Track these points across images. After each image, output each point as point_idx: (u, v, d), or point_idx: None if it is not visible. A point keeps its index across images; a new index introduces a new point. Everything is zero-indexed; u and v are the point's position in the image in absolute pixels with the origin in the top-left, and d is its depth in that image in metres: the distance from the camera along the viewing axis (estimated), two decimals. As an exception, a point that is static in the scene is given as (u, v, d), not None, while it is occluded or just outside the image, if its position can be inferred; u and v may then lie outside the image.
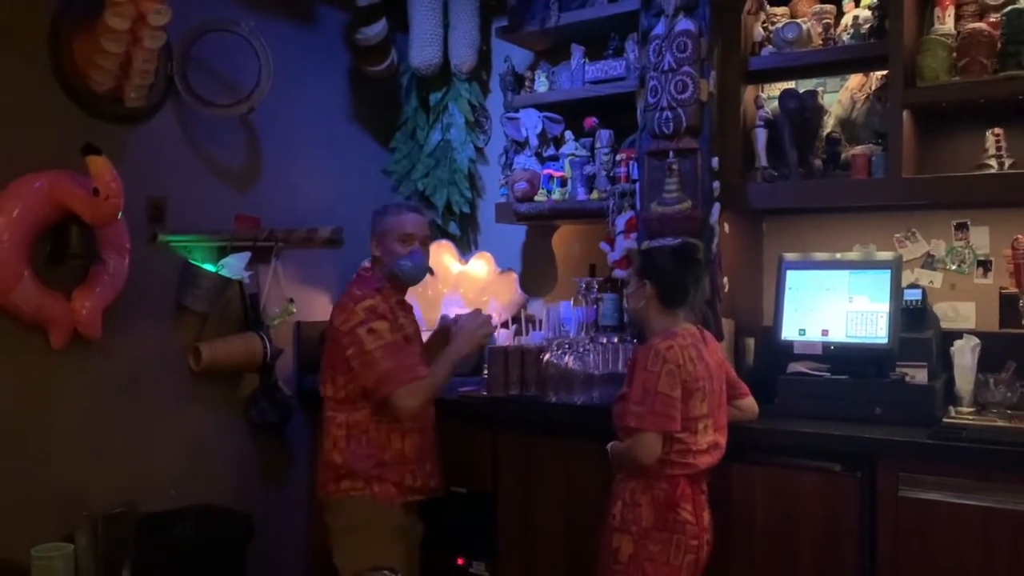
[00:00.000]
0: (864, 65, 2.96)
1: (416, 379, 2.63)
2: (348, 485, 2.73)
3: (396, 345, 2.66)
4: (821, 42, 2.97)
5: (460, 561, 3.18)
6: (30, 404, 2.85)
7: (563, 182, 3.50)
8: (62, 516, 2.56)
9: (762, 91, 3.19)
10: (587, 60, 3.47)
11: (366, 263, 2.90)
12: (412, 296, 3.21)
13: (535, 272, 3.90)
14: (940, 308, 2.98)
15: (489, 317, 2.90)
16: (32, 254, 2.77)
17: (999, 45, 2.65)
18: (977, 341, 2.75)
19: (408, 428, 2.76)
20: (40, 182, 2.75)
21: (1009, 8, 2.66)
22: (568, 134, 3.53)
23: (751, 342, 3.05)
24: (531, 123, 3.53)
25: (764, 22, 3.08)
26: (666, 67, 2.84)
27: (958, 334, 2.81)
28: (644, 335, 2.64)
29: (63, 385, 2.93)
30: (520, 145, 3.61)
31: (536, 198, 3.51)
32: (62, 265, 2.85)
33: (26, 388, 2.84)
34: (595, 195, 3.38)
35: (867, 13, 2.89)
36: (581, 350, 3.03)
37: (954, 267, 3.03)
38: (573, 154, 3.49)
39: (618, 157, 3.31)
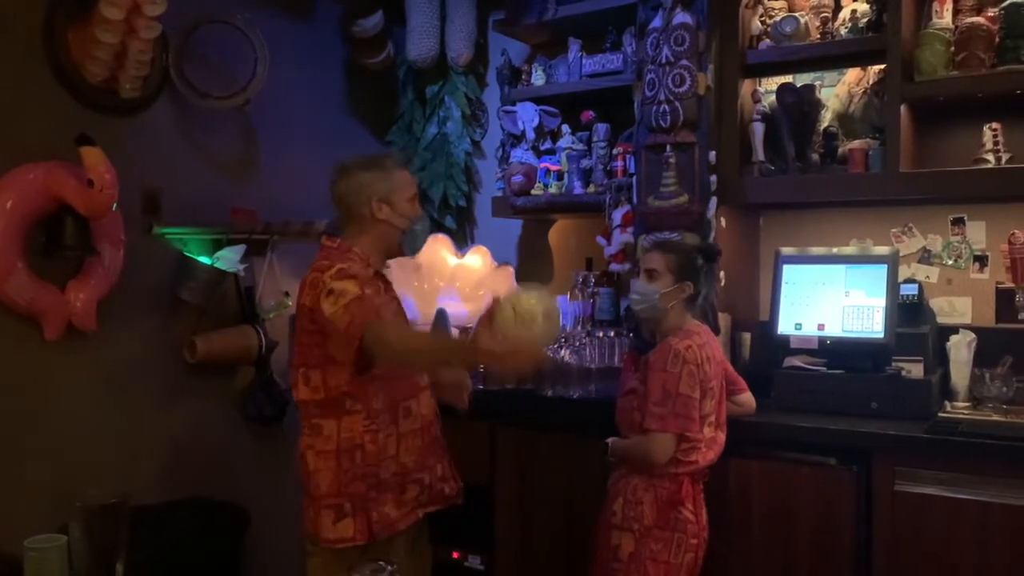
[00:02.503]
0: (862, 59, 2.96)
1: (378, 318, 2.17)
2: (335, 524, 2.22)
3: (363, 298, 2.16)
4: (819, 36, 2.96)
5: (456, 555, 3.17)
6: (24, 396, 2.83)
7: (560, 176, 3.49)
8: (56, 508, 2.55)
9: (759, 85, 3.18)
10: (584, 53, 3.46)
11: (328, 240, 2.41)
12: (407, 290, 3.21)
13: (531, 266, 3.89)
14: (936, 303, 2.98)
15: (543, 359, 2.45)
16: (26, 245, 2.75)
17: (997, 39, 2.65)
18: (973, 336, 2.75)
19: (404, 431, 2.32)
20: (34, 173, 2.74)
21: (1007, 2, 2.66)
22: (565, 128, 3.52)
23: (747, 336, 3.05)
24: (528, 117, 3.52)
25: (762, 16, 3.08)
26: (663, 60, 2.83)
27: (954, 329, 2.82)
28: (640, 331, 2.64)
29: (57, 377, 2.92)
30: (517, 139, 3.60)
31: (533, 192, 3.50)
32: (56, 257, 2.84)
33: (20, 380, 2.83)
34: (592, 189, 3.37)
35: (865, 7, 2.89)
36: (577, 344, 3.03)
37: (951, 262, 3.03)
38: (570, 148, 3.48)
39: (615, 151, 3.30)
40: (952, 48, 2.71)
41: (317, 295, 2.18)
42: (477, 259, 3.77)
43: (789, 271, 2.94)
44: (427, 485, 2.38)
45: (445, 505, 2.45)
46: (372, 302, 2.19)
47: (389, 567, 1.33)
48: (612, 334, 3.04)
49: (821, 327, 2.83)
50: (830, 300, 2.84)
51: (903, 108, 2.76)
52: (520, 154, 3.56)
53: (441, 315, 3.48)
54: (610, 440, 2.54)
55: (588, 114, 3.45)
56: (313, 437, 2.28)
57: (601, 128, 3.38)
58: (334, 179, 2.40)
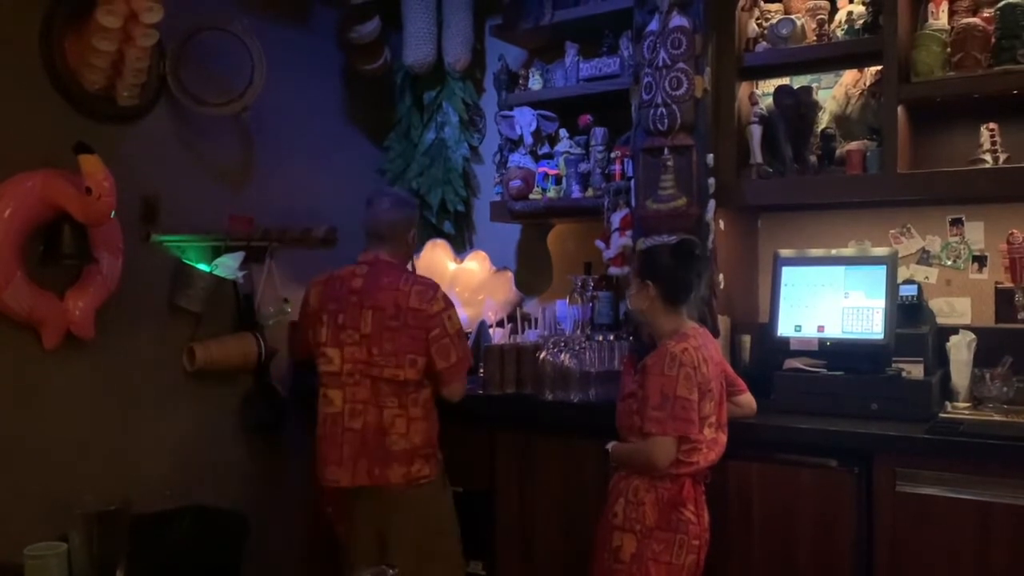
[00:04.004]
0: (858, 61, 2.96)
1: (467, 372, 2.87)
2: (424, 466, 2.75)
3: (463, 333, 2.86)
4: (815, 38, 2.97)
5: (457, 560, 3.17)
6: (23, 405, 2.82)
7: (558, 180, 3.50)
8: (56, 516, 2.53)
9: (757, 87, 3.19)
10: (581, 58, 3.47)
11: (384, 254, 2.84)
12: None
13: (530, 270, 3.89)
14: (936, 304, 2.98)
15: None
16: (24, 254, 2.75)
17: (993, 40, 2.66)
18: (973, 336, 2.75)
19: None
20: (32, 181, 2.73)
21: (1003, 3, 2.66)
22: (563, 132, 3.52)
23: (747, 339, 3.05)
24: (525, 121, 3.52)
25: (758, 18, 3.09)
26: (660, 64, 2.83)
27: (954, 329, 2.82)
28: (643, 333, 2.64)
29: (56, 386, 2.91)
30: (515, 143, 3.60)
31: (531, 196, 3.50)
32: (55, 265, 2.83)
33: (19, 389, 2.82)
34: (590, 193, 3.37)
35: (861, 8, 2.90)
36: (577, 348, 3.02)
37: (949, 263, 3.03)
38: (568, 152, 3.48)
39: (613, 154, 3.30)
40: (948, 49, 2.71)
41: (438, 310, 2.75)
42: (476, 264, 3.77)
43: (788, 273, 2.94)
44: None
45: None
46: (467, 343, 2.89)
47: (391, 570, 1.33)
48: (611, 338, 3.03)
49: (821, 329, 2.83)
50: (829, 302, 2.84)
51: (900, 109, 2.77)
52: (518, 159, 3.56)
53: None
54: (610, 445, 2.54)
55: (586, 118, 3.46)
56: (408, 406, 2.75)
57: (599, 132, 3.38)
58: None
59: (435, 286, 2.81)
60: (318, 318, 2.83)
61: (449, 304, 2.80)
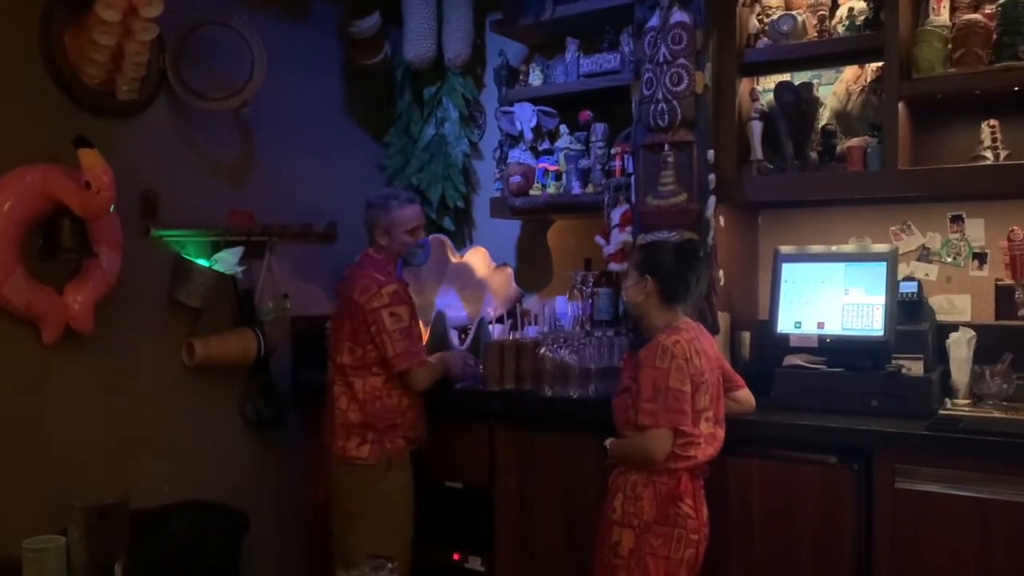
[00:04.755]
0: (859, 57, 2.96)
1: (423, 364, 2.99)
2: (361, 443, 2.94)
3: (410, 329, 2.96)
4: (816, 34, 2.96)
5: (456, 556, 3.17)
6: (22, 399, 2.83)
7: (558, 176, 3.49)
8: (55, 510, 2.55)
9: (757, 83, 3.18)
10: (582, 53, 3.46)
11: (371, 250, 3.07)
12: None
13: (530, 267, 3.89)
14: (936, 300, 2.98)
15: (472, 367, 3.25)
16: (24, 248, 2.75)
17: (995, 36, 2.66)
18: (973, 333, 2.75)
19: (409, 391, 3.00)
20: (32, 176, 2.73)
21: (1004, -1, 2.66)
22: (563, 128, 3.52)
23: (747, 336, 3.05)
24: (526, 117, 3.51)
25: (759, 14, 3.08)
26: (661, 59, 2.82)
27: (954, 326, 2.81)
28: (640, 328, 2.64)
29: (55, 380, 2.91)
30: (515, 139, 3.59)
31: (531, 192, 3.49)
32: (54, 259, 2.83)
33: (18, 383, 2.82)
34: (590, 189, 3.37)
35: (862, 5, 2.89)
36: (577, 344, 3.02)
37: (950, 259, 3.03)
38: (568, 148, 3.48)
39: (613, 150, 3.29)
40: (950, 45, 2.71)
41: (377, 305, 2.91)
42: (476, 260, 3.76)
43: (788, 270, 2.94)
44: (418, 429, 3.10)
45: (419, 446, 3.12)
46: (415, 338, 2.98)
47: (390, 564, 1.33)
48: (611, 334, 3.03)
49: (821, 325, 2.83)
50: (829, 298, 2.84)
51: (901, 105, 2.76)
52: (518, 155, 3.55)
53: (440, 318, 3.48)
54: (608, 442, 2.54)
55: (586, 114, 3.45)
56: (347, 388, 2.99)
57: (599, 128, 3.37)
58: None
59: (381, 284, 2.94)
60: None
61: (396, 301, 2.93)
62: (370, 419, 2.94)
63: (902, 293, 2.81)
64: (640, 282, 2.52)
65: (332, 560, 2.96)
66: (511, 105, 3.57)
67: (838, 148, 3.00)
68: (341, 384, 2.99)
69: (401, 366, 2.93)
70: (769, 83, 3.18)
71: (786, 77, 3.12)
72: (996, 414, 2.56)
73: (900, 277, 2.86)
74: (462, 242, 4.05)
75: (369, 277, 2.97)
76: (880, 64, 2.89)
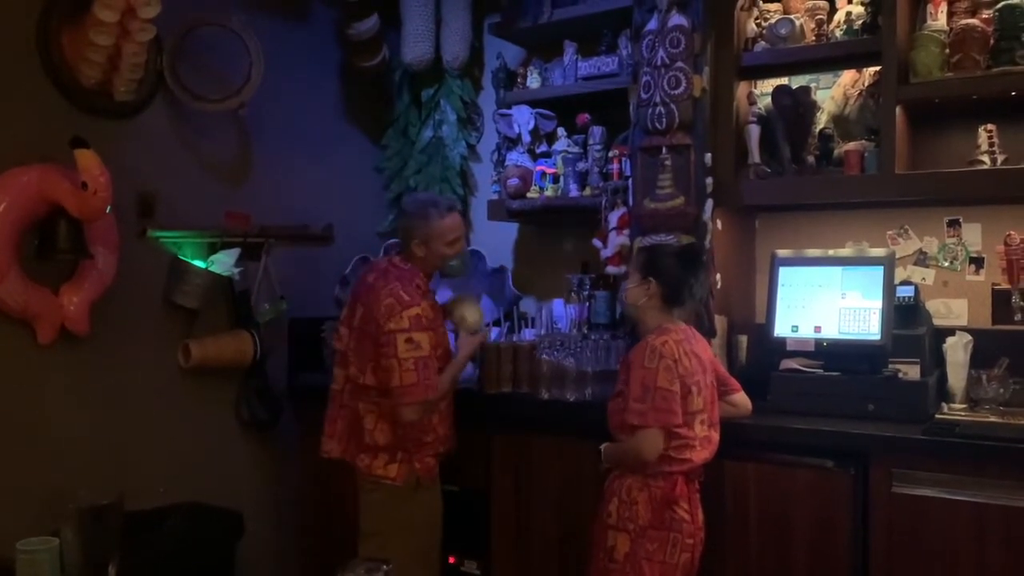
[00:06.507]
0: (857, 61, 2.96)
1: (427, 398, 2.69)
2: (389, 462, 2.76)
3: (427, 360, 2.70)
4: (814, 38, 2.96)
5: (451, 559, 3.16)
6: (17, 399, 2.82)
7: (555, 179, 3.49)
8: (49, 511, 2.54)
9: (755, 87, 3.18)
10: (580, 56, 3.46)
11: (398, 258, 2.87)
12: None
13: (527, 269, 3.89)
14: (932, 305, 2.98)
15: (480, 331, 3.02)
16: (20, 249, 2.74)
17: (992, 41, 2.66)
18: (969, 338, 2.75)
19: (441, 407, 2.82)
20: (28, 176, 2.73)
21: (1002, 4, 2.66)
22: (561, 130, 3.51)
23: (744, 339, 3.05)
24: (523, 119, 3.52)
25: (757, 18, 3.08)
26: (659, 63, 2.83)
27: (950, 331, 2.82)
28: (635, 330, 2.64)
29: (50, 381, 2.90)
30: (512, 142, 3.59)
31: (529, 195, 3.49)
32: (50, 260, 2.82)
33: (13, 383, 2.81)
34: (588, 191, 3.37)
35: (860, 9, 2.89)
36: (574, 347, 3.02)
37: (946, 264, 3.03)
38: (566, 151, 3.48)
39: (611, 153, 3.30)
40: (947, 50, 2.71)
41: (394, 328, 2.66)
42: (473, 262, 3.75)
43: (785, 273, 2.93)
44: (448, 442, 2.93)
45: (448, 454, 2.95)
46: (430, 370, 2.69)
47: (385, 566, 1.32)
48: (608, 337, 3.03)
49: (817, 329, 2.82)
50: (826, 302, 2.84)
51: (898, 110, 2.76)
52: (516, 157, 3.55)
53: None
54: (602, 447, 2.54)
55: (584, 117, 3.45)
56: (373, 408, 2.78)
57: (597, 131, 3.37)
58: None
59: (405, 304, 2.68)
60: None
61: (417, 326, 2.68)
62: (400, 441, 2.75)
63: (899, 297, 2.81)
64: (642, 284, 2.52)
65: (330, 560, 2.95)
66: (509, 108, 3.57)
67: (835, 152, 3.00)
68: (367, 403, 2.77)
69: (404, 399, 2.66)
70: (767, 87, 3.18)
71: (784, 81, 3.12)
72: (992, 418, 2.56)
73: (897, 281, 2.86)
74: (460, 244, 4.05)
75: (394, 296, 2.70)
76: (878, 68, 2.89)
